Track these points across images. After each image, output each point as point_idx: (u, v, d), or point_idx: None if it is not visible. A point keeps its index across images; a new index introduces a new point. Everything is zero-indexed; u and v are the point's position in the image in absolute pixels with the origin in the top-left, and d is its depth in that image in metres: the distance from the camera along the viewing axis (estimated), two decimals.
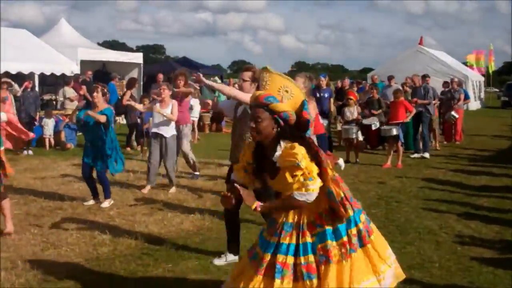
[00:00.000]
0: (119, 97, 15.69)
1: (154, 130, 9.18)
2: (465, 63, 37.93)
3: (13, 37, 18.05)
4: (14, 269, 5.41)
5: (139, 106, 9.95)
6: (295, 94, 3.69)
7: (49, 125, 14.49)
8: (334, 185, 3.67)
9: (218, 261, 5.70)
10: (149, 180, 9.24)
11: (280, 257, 3.63)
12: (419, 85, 14.08)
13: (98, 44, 29.43)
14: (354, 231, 3.70)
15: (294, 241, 3.67)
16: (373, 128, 13.30)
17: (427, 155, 13.52)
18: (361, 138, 12.48)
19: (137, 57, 23.40)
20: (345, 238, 3.66)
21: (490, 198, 9.03)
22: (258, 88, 4.29)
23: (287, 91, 3.67)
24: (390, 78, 16.83)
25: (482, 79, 38.50)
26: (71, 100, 15.97)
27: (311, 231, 3.68)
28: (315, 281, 3.58)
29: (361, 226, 3.73)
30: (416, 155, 13.59)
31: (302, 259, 3.63)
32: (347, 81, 16.11)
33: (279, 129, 3.66)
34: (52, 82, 20.37)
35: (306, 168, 3.53)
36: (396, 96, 12.50)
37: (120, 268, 5.56)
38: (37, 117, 14.80)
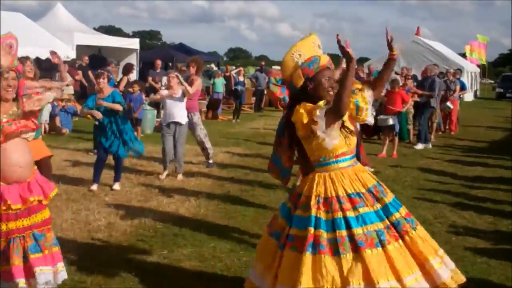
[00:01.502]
0: (115, 83, 15.63)
1: (170, 119, 9.06)
2: (461, 54, 37.89)
3: (8, 21, 17.89)
4: None
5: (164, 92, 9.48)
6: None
7: (44, 110, 14.44)
8: None
9: None
10: (165, 167, 9.24)
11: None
12: (428, 76, 13.99)
13: (94, 29, 29.20)
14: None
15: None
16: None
17: (419, 146, 13.53)
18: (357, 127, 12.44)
19: (134, 43, 23.26)
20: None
21: (485, 188, 9.07)
22: None
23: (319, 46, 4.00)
24: None
25: (478, 70, 38.52)
26: (67, 85, 15.89)
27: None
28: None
29: None
30: (420, 145, 13.57)
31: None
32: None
33: None
34: (47, 67, 20.22)
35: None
36: (393, 87, 12.49)
37: (115, 254, 5.57)
38: None
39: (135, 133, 12.94)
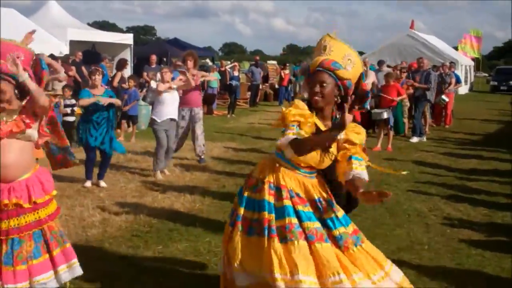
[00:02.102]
0: (109, 79, 15.57)
1: (167, 116, 8.83)
2: (456, 47, 37.92)
3: (1, 17, 17.80)
4: None
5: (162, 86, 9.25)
6: (356, 64, 3.65)
7: None
8: None
9: None
10: (157, 168, 8.95)
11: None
12: (424, 69, 14.00)
13: (88, 24, 29.08)
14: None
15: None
16: (364, 111, 13.30)
17: (415, 139, 13.54)
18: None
19: (128, 38, 23.17)
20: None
21: (479, 181, 9.09)
22: None
23: (350, 60, 3.61)
24: (381, 63, 16.80)
25: (472, 63, 38.56)
26: (60, 81, 15.82)
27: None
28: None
29: None
30: (415, 139, 13.60)
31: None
32: None
33: (339, 98, 3.63)
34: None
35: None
36: (387, 80, 12.50)
37: (109, 250, 5.56)
38: None
39: (129, 129, 12.95)
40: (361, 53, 41.51)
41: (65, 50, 18.95)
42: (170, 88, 8.82)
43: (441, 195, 8.08)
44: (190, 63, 9.64)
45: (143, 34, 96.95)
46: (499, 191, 8.42)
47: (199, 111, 9.75)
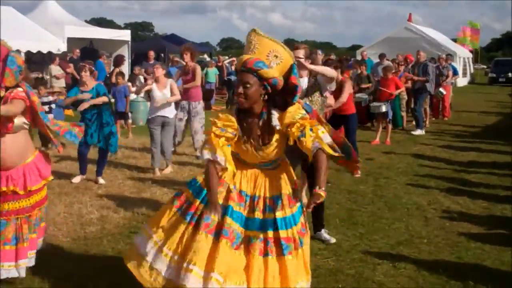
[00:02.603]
0: (107, 75, 15.56)
1: (157, 114, 8.77)
2: (454, 39, 37.86)
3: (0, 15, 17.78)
4: None
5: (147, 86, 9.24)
6: (284, 59, 3.60)
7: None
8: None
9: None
10: (155, 165, 8.92)
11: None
12: (421, 62, 13.98)
13: (86, 21, 29.02)
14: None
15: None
16: (363, 104, 13.29)
17: (418, 132, 13.55)
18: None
19: (125, 35, 23.14)
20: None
21: (478, 173, 9.08)
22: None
23: (276, 56, 3.57)
24: (382, 56, 16.78)
25: (470, 55, 38.51)
26: (58, 78, 15.82)
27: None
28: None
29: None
30: (418, 131, 13.60)
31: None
32: (332, 58, 15.93)
33: (266, 96, 3.62)
34: (38, 60, 20.12)
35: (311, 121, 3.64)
36: (385, 74, 12.47)
37: (108, 247, 5.54)
38: None
39: (125, 126, 12.90)
40: (358, 47, 41.49)
41: (63, 47, 18.94)
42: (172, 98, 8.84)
43: (440, 188, 8.07)
44: (186, 57, 9.60)
45: (141, 30, 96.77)
46: (498, 183, 8.41)
47: (197, 105, 9.69)
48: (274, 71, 3.56)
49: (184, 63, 9.73)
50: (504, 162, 10.04)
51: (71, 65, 16.84)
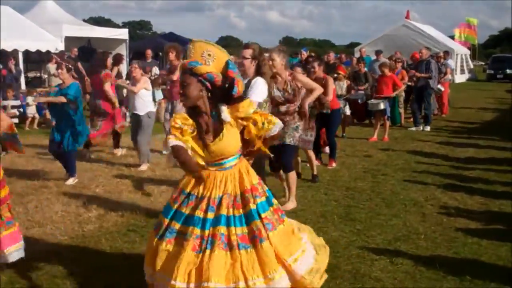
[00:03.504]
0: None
1: (132, 111, 9.12)
2: (451, 36, 37.89)
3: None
4: None
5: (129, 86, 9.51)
6: (217, 56, 3.83)
7: (32, 103, 14.29)
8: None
9: None
10: (140, 157, 9.21)
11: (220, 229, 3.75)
12: (424, 59, 13.98)
13: (84, 20, 29.02)
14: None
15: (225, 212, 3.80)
16: (360, 102, 13.30)
17: (428, 128, 13.62)
18: (348, 112, 12.46)
19: (123, 33, 23.11)
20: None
21: (476, 170, 9.08)
22: (258, 66, 5.38)
23: (209, 55, 3.81)
24: (378, 53, 16.78)
25: (468, 52, 38.53)
26: (56, 77, 15.77)
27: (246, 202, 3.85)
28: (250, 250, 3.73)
29: None
30: (414, 128, 13.64)
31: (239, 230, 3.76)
32: (332, 55, 15.95)
33: (208, 92, 3.82)
34: (36, 59, 20.12)
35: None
36: (382, 70, 12.47)
37: (106, 246, 5.54)
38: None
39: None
40: (357, 44, 41.45)
41: (61, 47, 18.92)
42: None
43: (438, 184, 8.07)
44: (172, 55, 9.77)
45: (139, 29, 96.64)
46: (496, 179, 8.42)
47: (177, 104, 9.77)
48: (208, 67, 3.79)
49: (170, 60, 9.82)
50: (501, 158, 10.05)
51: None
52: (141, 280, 4.50)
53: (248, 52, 5.75)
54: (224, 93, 3.83)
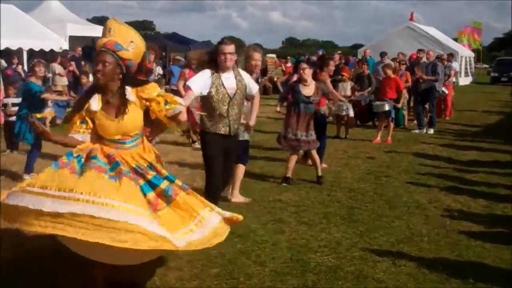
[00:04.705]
0: None
1: None
2: (455, 39, 37.84)
3: (0, 13, 17.80)
4: None
5: None
6: (138, 45, 4.17)
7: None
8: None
9: None
10: None
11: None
12: (430, 61, 13.97)
13: (87, 20, 29.03)
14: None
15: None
16: (363, 103, 13.30)
17: (431, 131, 13.60)
18: (351, 114, 12.45)
19: None
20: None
21: (479, 172, 9.07)
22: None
23: (132, 41, 4.12)
24: (382, 54, 16.78)
25: (472, 55, 38.47)
26: (61, 76, 15.83)
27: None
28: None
29: None
30: (418, 130, 13.64)
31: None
32: (337, 57, 15.95)
33: (121, 75, 4.12)
34: (41, 58, 20.13)
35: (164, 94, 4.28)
36: (385, 72, 12.45)
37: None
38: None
39: None
40: (360, 46, 41.39)
41: (65, 46, 18.98)
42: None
43: (441, 187, 8.06)
44: (151, 57, 10.05)
45: (142, 29, 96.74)
46: (499, 182, 8.40)
47: None
48: (130, 54, 4.10)
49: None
50: (505, 161, 10.04)
51: (73, 63, 16.87)
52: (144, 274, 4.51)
53: (232, 47, 5.75)
54: (133, 77, 4.18)
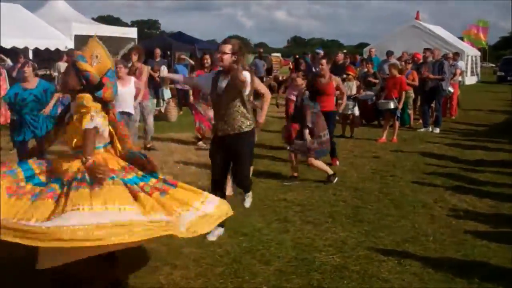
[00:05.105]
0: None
1: (119, 109, 8.97)
2: (461, 38, 37.71)
3: (6, 12, 17.85)
4: None
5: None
6: (103, 61, 4.48)
7: None
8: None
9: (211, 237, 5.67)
10: None
11: None
12: (437, 60, 13.94)
13: (93, 19, 29.15)
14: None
15: None
16: (369, 103, 13.26)
17: (437, 130, 13.57)
18: (357, 113, 12.42)
19: (132, 32, 23.23)
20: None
21: (485, 172, 9.04)
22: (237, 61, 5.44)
23: (97, 56, 4.46)
24: (389, 53, 16.74)
25: (478, 54, 38.34)
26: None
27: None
28: None
29: None
30: (423, 129, 13.61)
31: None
32: (341, 56, 15.90)
33: (80, 85, 4.38)
34: (46, 57, 20.19)
35: (89, 106, 4.34)
36: (391, 71, 12.40)
37: None
38: None
39: None
40: (366, 44, 41.29)
41: (70, 45, 19.01)
42: None
43: (447, 186, 8.04)
44: (134, 57, 10.40)
45: (147, 28, 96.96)
46: (505, 182, 8.38)
47: (148, 104, 10.45)
48: (88, 67, 4.38)
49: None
50: (511, 161, 9.99)
51: None
52: (142, 270, 4.53)
53: (227, 47, 5.63)
54: (90, 90, 4.39)
